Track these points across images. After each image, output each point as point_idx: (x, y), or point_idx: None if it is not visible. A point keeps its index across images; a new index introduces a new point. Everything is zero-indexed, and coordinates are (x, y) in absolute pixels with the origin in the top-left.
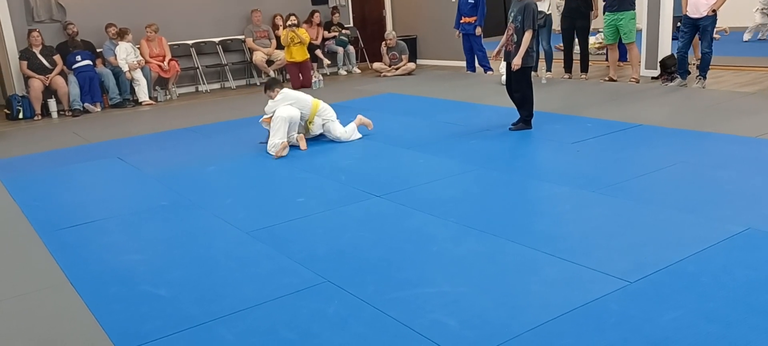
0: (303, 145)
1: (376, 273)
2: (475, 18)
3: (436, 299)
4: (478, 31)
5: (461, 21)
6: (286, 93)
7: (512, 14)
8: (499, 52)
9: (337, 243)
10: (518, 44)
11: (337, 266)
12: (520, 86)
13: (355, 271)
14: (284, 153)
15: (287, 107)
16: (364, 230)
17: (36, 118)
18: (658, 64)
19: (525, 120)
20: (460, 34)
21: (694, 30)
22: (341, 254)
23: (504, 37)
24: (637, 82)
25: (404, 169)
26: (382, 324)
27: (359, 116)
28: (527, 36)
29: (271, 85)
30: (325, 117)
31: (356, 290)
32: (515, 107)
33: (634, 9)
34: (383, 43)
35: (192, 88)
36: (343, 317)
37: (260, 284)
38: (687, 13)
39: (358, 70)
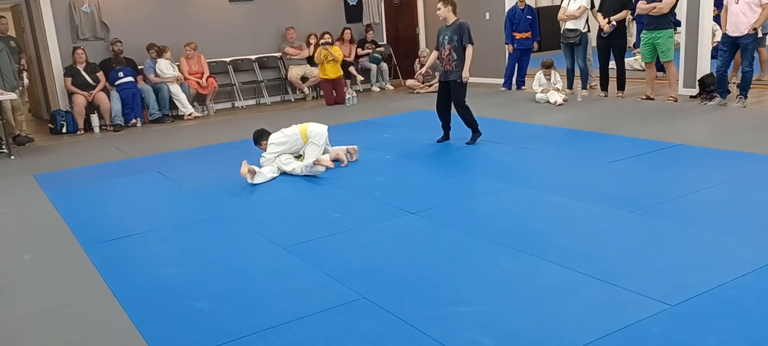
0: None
1: (412, 291)
2: (530, 33)
3: (472, 318)
4: (536, 46)
5: (516, 37)
6: (274, 139)
7: (446, 36)
8: (425, 74)
9: (373, 260)
10: (460, 61)
11: (373, 282)
12: (459, 99)
13: (391, 288)
14: (246, 174)
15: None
16: (399, 246)
17: (79, 132)
18: (697, 83)
19: (475, 130)
20: (513, 49)
21: (734, 49)
22: (377, 271)
23: (430, 60)
24: (675, 100)
25: (438, 186)
26: (418, 343)
27: (336, 150)
28: (470, 50)
29: (259, 139)
30: (314, 140)
31: (392, 308)
32: (441, 125)
33: (671, 27)
34: (417, 60)
35: (228, 105)
36: (379, 335)
37: (297, 299)
38: (727, 32)
39: (391, 87)
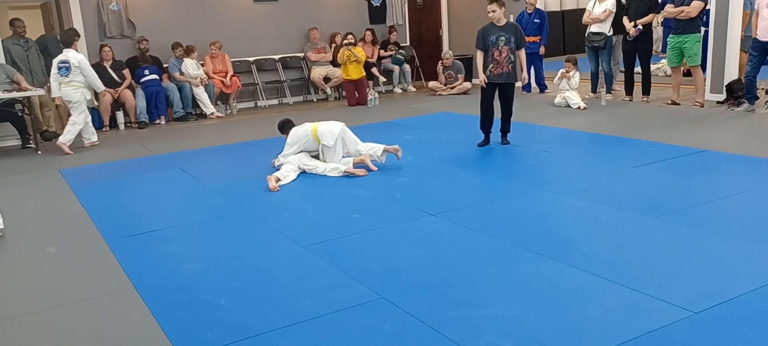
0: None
1: (431, 292)
2: (539, 37)
3: (492, 321)
4: (542, 50)
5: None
6: (289, 138)
7: (503, 38)
8: (448, 77)
9: (392, 260)
10: (515, 63)
11: (392, 283)
12: (511, 100)
13: (410, 289)
14: (275, 186)
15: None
16: (419, 248)
17: (104, 129)
18: (724, 88)
19: (507, 132)
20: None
21: (764, 54)
22: (396, 272)
23: (480, 61)
24: (702, 106)
25: (460, 188)
26: (437, 344)
27: (362, 156)
28: (523, 53)
29: (282, 128)
30: (324, 141)
31: (411, 308)
32: (485, 125)
33: (699, 32)
34: (440, 62)
35: (251, 104)
36: (398, 335)
37: (316, 297)
38: (757, 36)
39: (414, 89)
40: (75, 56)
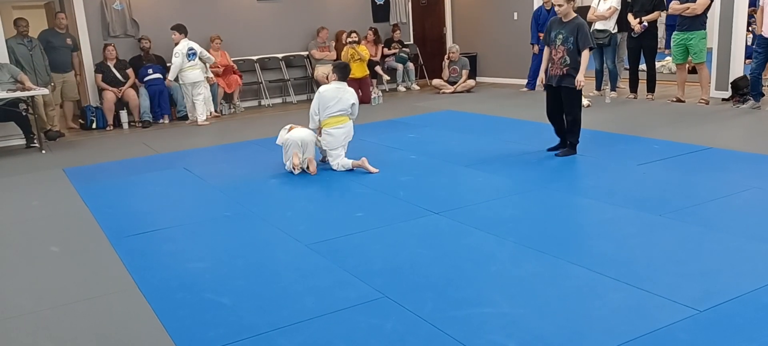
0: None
1: (434, 291)
2: None
3: (495, 320)
4: None
5: (541, 37)
6: (325, 91)
7: (561, 35)
8: (452, 71)
9: (395, 259)
10: (573, 66)
11: (395, 281)
12: (572, 109)
13: (413, 288)
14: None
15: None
16: (422, 246)
17: (108, 128)
18: (730, 86)
19: (573, 145)
20: (538, 50)
21: None
22: (399, 270)
23: (546, 58)
24: (707, 103)
25: (463, 187)
26: (439, 343)
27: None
28: (586, 55)
29: (341, 71)
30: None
31: (414, 307)
32: (555, 131)
33: (704, 28)
34: (445, 56)
35: (255, 102)
36: (400, 334)
37: (319, 296)
38: (762, 33)
39: (417, 87)
40: (195, 44)
